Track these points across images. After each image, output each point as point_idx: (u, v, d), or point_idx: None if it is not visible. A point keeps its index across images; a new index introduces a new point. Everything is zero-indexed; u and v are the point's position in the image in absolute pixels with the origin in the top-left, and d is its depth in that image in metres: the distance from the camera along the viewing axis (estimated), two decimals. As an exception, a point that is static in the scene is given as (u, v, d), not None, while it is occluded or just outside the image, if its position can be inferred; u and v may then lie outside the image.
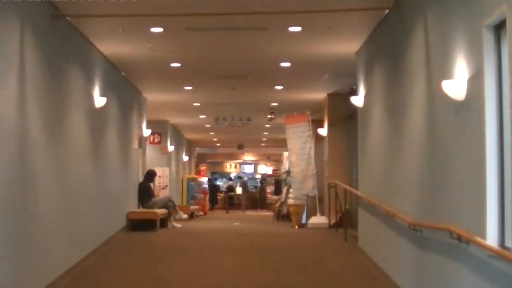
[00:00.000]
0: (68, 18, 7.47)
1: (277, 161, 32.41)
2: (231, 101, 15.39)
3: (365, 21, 8.04)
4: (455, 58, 4.74)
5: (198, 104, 15.99)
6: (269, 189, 29.18)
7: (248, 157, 35.65)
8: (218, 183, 31.53)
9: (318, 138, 15.39)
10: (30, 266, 6.14)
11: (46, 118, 6.69)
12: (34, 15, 6.32)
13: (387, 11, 7.32)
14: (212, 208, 25.01)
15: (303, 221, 14.32)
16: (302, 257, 9.30)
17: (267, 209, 24.29)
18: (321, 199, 14.39)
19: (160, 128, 18.60)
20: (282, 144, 19.87)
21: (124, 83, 11.89)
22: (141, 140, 13.94)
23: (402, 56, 6.70)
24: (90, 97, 8.90)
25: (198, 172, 27.53)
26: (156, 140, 18.70)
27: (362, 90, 9.30)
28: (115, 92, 10.73)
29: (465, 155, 4.52)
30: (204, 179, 24.33)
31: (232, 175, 33.88)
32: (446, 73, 4.88)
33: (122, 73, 11.43)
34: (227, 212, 24.05)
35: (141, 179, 13.70)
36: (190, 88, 13.43)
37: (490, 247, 3.94)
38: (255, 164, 36.20)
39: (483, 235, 4.07)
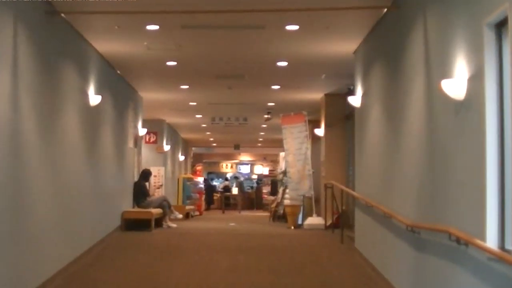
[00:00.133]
0: (62, 15, 7.42)
1: (274, 161, 32.42)
2: (227, 100, 15.32)
3: (363, 20, 7.98)
4: (455, 57, 4.68)
5: (194, 104, 15.93)
6: (266, 189, 29.18)
7: (245, 157, 35.63)
8: (215, 183, 31.49)
9: (315, 139, 15.36)
10: (24, 265, 6.06)
11: (39, 115, 6.61)
12: (28, 10, 6.23)
13: (386, 9, 7.27)
14: (208, 208, 24.97)
15: (299, 221, 14.28)
16: (298, 258, 9.25)
17: (263, 210, 24.29)
18: (317, 200, 14.35)
19: (156, 128, 18.50)
20: (279, 144, 19.85)
21: (119, 81, 11.81)
22: (137, 139, 13.87)
23: (401, 55, 6.63)
24: (85, 95, 8.82)
25: (194, 172, 27.49)
26: (152, 139, 18.61)
27: (359, 90, 9.23)
28: (110, 90, 10.65)
29: (465, 156, 4.45)
30: (200, 179, 24.29)
31: (229, 175, 33.84)
32: (446, 73, 4.82)
33: (118, 71, 11.35)
34: (223, 212, 24.03)
35: (136, 179, 13.64)
36: (186, 87, 13.36)
37: (490, 250, 3.88)
38: (252, 165, 36.16)
39: (482, 237, 4.01)
